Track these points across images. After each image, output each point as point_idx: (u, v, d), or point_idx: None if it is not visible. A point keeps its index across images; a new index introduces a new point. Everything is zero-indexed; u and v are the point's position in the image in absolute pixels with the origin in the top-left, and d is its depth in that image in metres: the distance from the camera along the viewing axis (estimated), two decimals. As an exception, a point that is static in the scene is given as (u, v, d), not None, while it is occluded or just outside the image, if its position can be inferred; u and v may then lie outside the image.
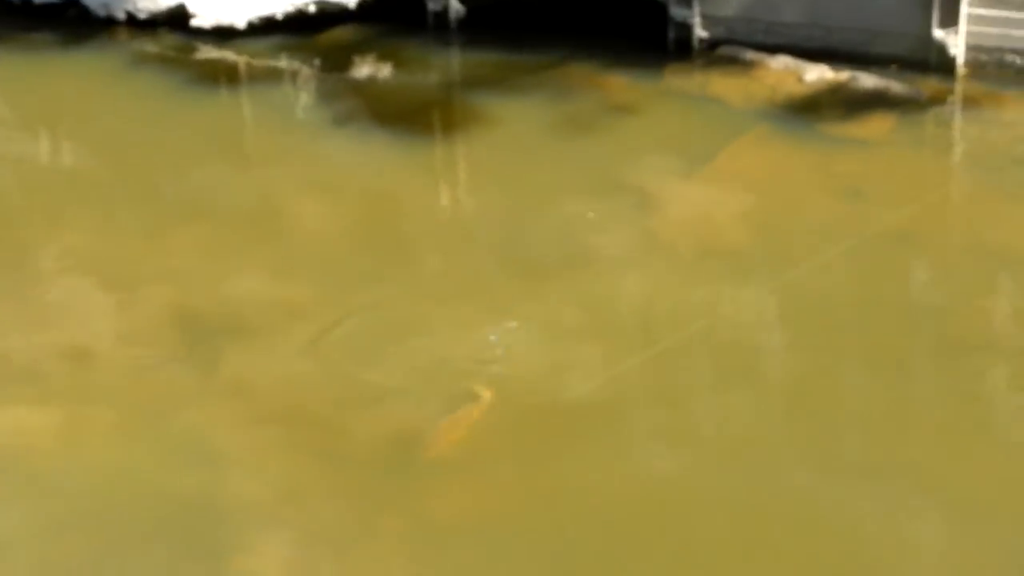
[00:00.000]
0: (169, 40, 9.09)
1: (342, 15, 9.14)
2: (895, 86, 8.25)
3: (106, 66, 8.83)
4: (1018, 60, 8.29)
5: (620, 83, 8.42)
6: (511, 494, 5.57)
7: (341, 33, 9.08)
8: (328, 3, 9.12)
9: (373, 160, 7.80)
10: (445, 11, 9.09)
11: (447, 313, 6.50)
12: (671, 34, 8.72)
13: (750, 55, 8.55)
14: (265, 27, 9.08)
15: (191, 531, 5.34)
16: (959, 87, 8.23)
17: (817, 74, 8.36)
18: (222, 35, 9.08)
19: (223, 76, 8.76)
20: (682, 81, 8.48)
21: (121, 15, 9.23)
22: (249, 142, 8.27)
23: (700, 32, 8.67)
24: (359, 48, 8.89)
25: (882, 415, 5.91)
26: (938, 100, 8.15)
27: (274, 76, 8.75)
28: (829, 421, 5.87)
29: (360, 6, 9.11)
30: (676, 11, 8.71)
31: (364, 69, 8.75)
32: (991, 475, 5.55)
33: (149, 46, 9.03)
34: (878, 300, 6.50)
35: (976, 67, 8.31)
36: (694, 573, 5.21)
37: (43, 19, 9.25)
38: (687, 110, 8.25)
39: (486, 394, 5.79)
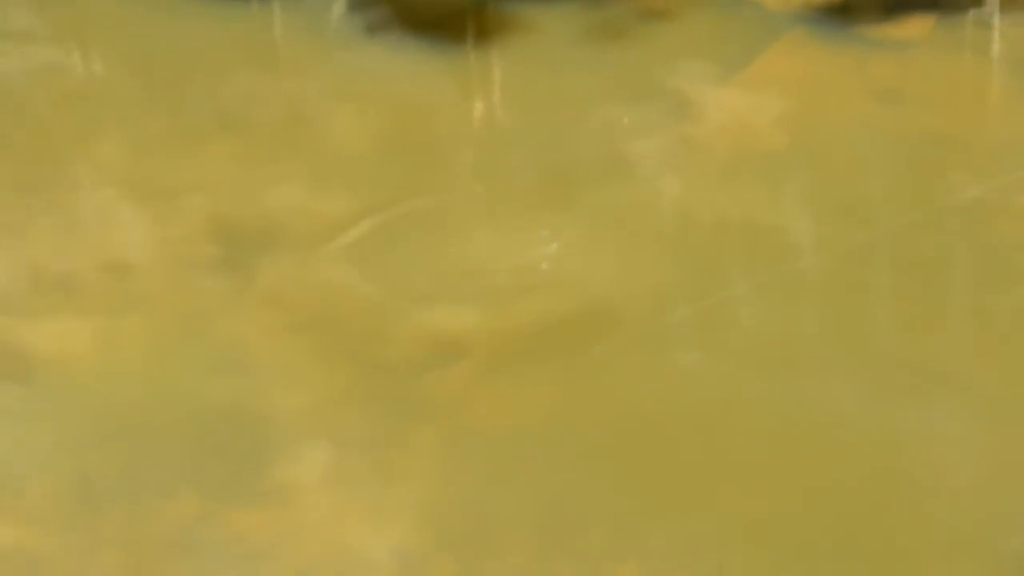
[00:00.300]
0: (199, -50, 9.03)
1: (373, -78, 9.07)
2: (933, -14, 8.15)
3: (136, -24, 8.78)
4: (1059, -41, 8.17)
5: (654, -12, 8.33)
6: (548, 400, 5.55)
7: (373, -60, 9.00)
8: (359, -90, 9.04)
9: (406, 69, 7.74)
10: (477, -83, 9.01)
11: (483, 222, 6.48)
12: (706, -63, 8.61)
13: (786, -43, 8.45)
14: (296, -65, 9.01)
15: (230, 440, 5.36)
16: (999, -14, 8.12)
17: (854, -25, 8.26)
18: (252, -56, 9.02)
19: (254, -14, 8.70)
20: (717, -15, 8.38)
21: (151, -75, 9.20)
22: (280, 52, 8.22)
23: (735, -66, 8.56)
24: (391, -45, 8.81)
25: (918, 318, 5.86)
26: (977, 0, 8.04)
27: (305, -15, 8.69)
28: (865, 324, 5.83)
29: (391, -87, 9.03)
30: (711, -87, 8.61)
31: (396, -23, 8.67)
32: (1030, 378, 5.53)
33: (179, -45, 8.97)
34: (915, 202, 6.43)
35: (1016, -34, 8.19)
36: (728, 468, 5.21)
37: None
38: (722, 14, 8.15)
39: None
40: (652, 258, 6.22)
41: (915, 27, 7.83)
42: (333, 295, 6.05)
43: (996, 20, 8.05)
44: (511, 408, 5.52)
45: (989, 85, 7.61)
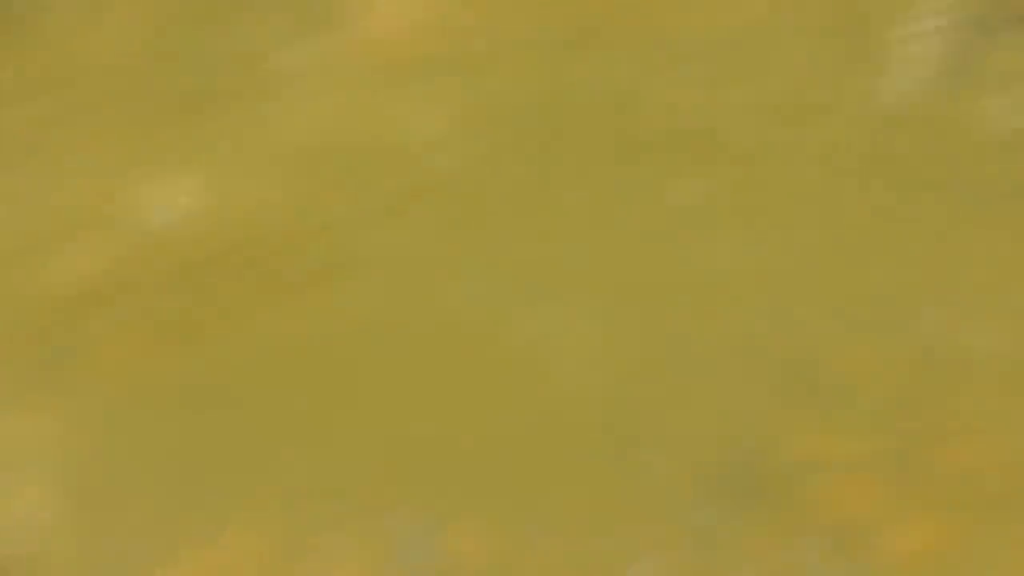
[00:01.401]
0: None
1: None
2: None
3: None
4: None
5: None
6: (197, 353, 5.05)
7: None
8: None
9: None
10: None
11: (109, 155, 5.93)
12: None
13: None
14: None
15: None
16: None
17: None
18: None
19: None
20: None
21: None
22: None
23: None
24: None
25: (564, 224, 5.54)
26: None
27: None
28: (509, 232, 5.47)
29: None
30: None
31: None
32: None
33: None
34: (562, 103, 6.10)
35: None
36: (395, 396, 4.84)
37: None
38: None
39: None
40: (299, 182, 5.79)
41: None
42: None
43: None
44: (150, 366, 5.04)
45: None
